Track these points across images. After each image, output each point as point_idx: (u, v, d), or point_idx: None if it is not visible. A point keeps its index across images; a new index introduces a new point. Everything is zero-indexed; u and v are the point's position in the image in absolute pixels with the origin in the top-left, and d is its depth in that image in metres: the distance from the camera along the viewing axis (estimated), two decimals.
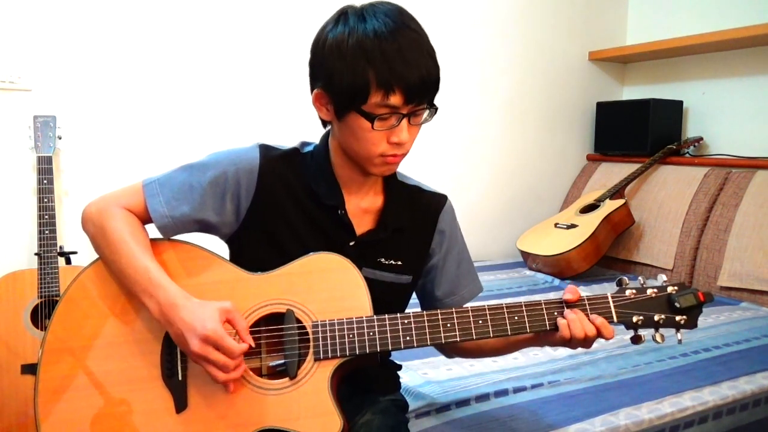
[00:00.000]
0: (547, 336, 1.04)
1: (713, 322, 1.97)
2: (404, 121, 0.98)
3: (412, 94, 0.95)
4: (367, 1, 1.01)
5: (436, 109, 1.01)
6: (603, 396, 1.40)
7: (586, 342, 1.01)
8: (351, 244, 1.08)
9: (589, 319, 1.00)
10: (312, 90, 1.03)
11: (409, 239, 1.14)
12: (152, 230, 1.06)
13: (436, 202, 1.19)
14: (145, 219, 1.05)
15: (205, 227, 1.07)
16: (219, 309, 0.93)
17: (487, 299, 1.85)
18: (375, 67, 0.92)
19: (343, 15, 0.98)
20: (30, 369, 1.76)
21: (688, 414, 1.38)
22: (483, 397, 1.37)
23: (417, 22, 0.99)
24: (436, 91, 0.99)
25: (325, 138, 1.11)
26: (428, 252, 1.17)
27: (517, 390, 1.41)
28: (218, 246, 1.11)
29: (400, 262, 1.12)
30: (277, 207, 1.06)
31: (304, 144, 1.14)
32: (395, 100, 0.94)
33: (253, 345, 0.95)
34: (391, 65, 0.92)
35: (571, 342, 1.01)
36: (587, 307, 1.02)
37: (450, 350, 1.22)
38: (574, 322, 1.00)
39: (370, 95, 0.94)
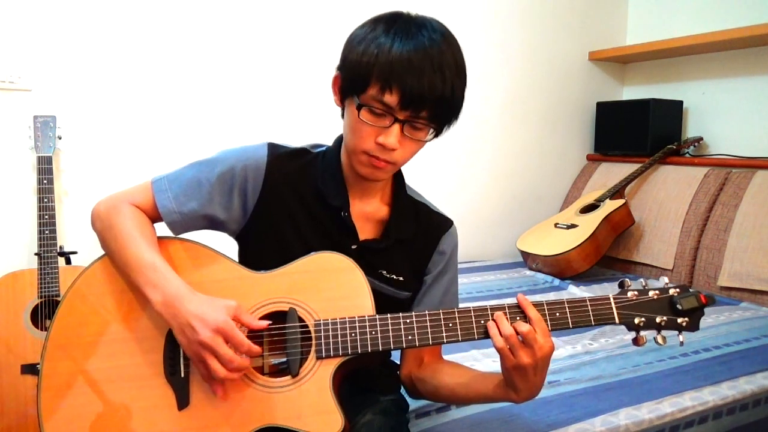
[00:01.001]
0: (505, 385, 1.00)
1: (713, 322, 1.97)
2: (396, 127, 0.97)
3: (407, 99, 0.94)
4: (386, 9, 1.04)
5: (438, 133, 1.02)
6: (603, 396, 1.40)
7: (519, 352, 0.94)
8: (353, 247, 1.09)
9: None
10: None
11: (411, 255, 1.14)
12: (161, 228, 1.06)
13: (442, 223, 1.19)
14: (154, 216, 1.06)
15: (213, 223, 1.08)
16: (226, 305, 0.93)
17: (487, 299, 1.84)
18: (380, 61, 0.94)
19: (385, 18, 1.01)
20: (30, 369, 1.76)
21: (688, 414, 1.38)
22: None
23: (453, 45, 0.99)
24: (440, 111, 0.98)
25: (339, 139, 1.12)
26: (425, 270, 1.17)
27: None
28: (225, 244, 1.12)
29: (401, 278, 1.12)
30: (282, 205, 1.07)
31: (316, 146, 1.15)
32: (390, 99, 0.95)
33: (270, 323, 0.96)
34: (395, 65, 0.93)
35: (509, 352, 0.95)
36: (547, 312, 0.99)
37: (416, 387, 1.17)
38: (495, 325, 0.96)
39: (369, 86, 0.96)
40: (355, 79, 0.97)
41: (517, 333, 0.95)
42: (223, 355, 0.91)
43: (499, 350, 0.96)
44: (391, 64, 0.93)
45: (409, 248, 1.14)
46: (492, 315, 0.98)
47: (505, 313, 0.98)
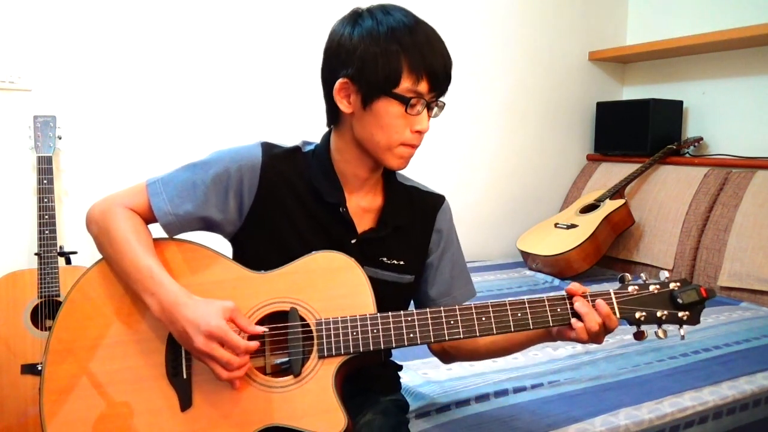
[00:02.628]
0: (559, 332, 1.04)
1: (713, 322, 1.97)
2: (425, 110, 1.02)
3: (436, 82, 0.99)
4: (375, 4, 1.04)
5: (444, 104, 1.05)
6: (603, 396, 1.41)
7: (599, 335, 1.00)
8: (353, 242, 1.09)
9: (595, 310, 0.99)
10: (331, 83, 1.03)
11: (409, 239, 1.15)
12: (157, 229, 1.06)
13: (434, 201, 1.20)
14: (149, 218, 1.06)
15: (208, 225, 1.08)
16: (222, 307, 0.93)
17: (487, 299, 1.86)
18: (407, 53, 0.97)
19: (361, 13, 1.02)
20: (30, 369, 1.76)
21: (688, 414, 1.38)
22: (483, 397, 1.37)
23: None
24: (450, 81, 1.03)
25: (327, 137, 1.12)
26: (426, 251, 1.18)
27: (517, 390, 1.41)
28: (222, 245, 1.12)
29: (402, 262, 1.13)
30: (279, 204, 1.07)
31: (306, 143, 1.14)
32: (422, 87, 0.99)
33: (265, 330, 0.96)
34: (422, 52, 0.97)
35: (586, 337, 0.99)
36: (589, 299, 1.01)
37: (448, 353, 1.21)
38: (588, 314, 0.98)
39: (402, 80, 0.98)
40: (386, 75, 0.97)
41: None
42: (220, 358, 0.91)
43: (577, 329, 0.98)
44: (419, 53, 0.97)
45: (408, 232, 1.14)
46: (572, 300, 1.00)
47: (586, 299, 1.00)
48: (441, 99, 1.04)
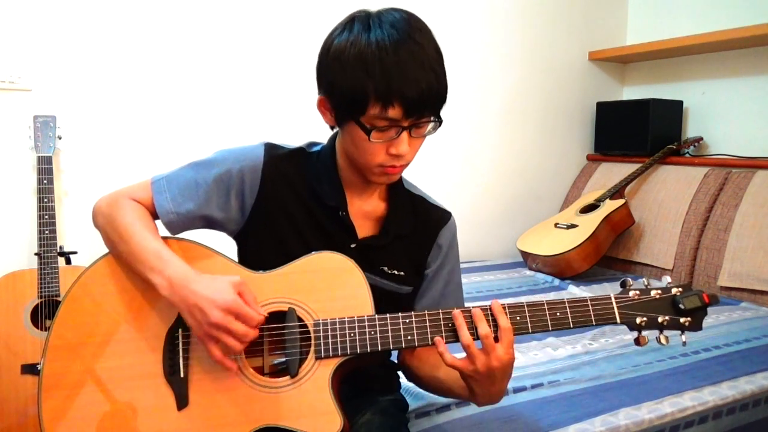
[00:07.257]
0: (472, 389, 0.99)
1: (713, 322, 1.97)
2: (404, 134, 0.97)
3: (411, 108, 0.94)
4: (379, 6, 1.01)
5: (441, 121, 1.01)
6: (603, 396, 1.41)
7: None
8: (352, 246, 1.09)
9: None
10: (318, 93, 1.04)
11: (410, 250, 1.14)
12: (160, 228, 1.06)
13: (440, 216, 1.18)
14: (153, 215, 1.07)
15: (210, 224, 1.09)
16: (231, 282, 0.94)
17: (487, 299, 1.85)
18: (374, 80, 0.92)
19: (350, 22, 0.98)
20: (30, 369, 1.76)
21: (688, 414, 1.38)
22: None
23: (426, 32, 0.97)
24: (439, 105, 0.98)
25: (333, 139, 1.11)
26: (425, 264, 1.17)
27: (517, 390, 1.41)
28: (225, 243, 1.12)
29: (402, 273, 1.12)
30: (281, 205, 1.07)
31: (312, 144, 1.14)
32: (394, 113, 0.94)
33: (266, 315, 0.96)
34: (390, 79, 0.92)
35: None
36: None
37: (406, 375, 1.19)
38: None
39: (369, 107, 0.94)
40: (351, 103, 0.95)
41: (478, 337, 0.94)
42: (237, 331, 0.92)
43: (464, 349, 0.95)
44: (386, 80, 0.91)
45: (409, 243, 1.14)
46: (472, 314, 0.97)
47: (486, 315, 0.97)
48: (434, 116, 0.98)
